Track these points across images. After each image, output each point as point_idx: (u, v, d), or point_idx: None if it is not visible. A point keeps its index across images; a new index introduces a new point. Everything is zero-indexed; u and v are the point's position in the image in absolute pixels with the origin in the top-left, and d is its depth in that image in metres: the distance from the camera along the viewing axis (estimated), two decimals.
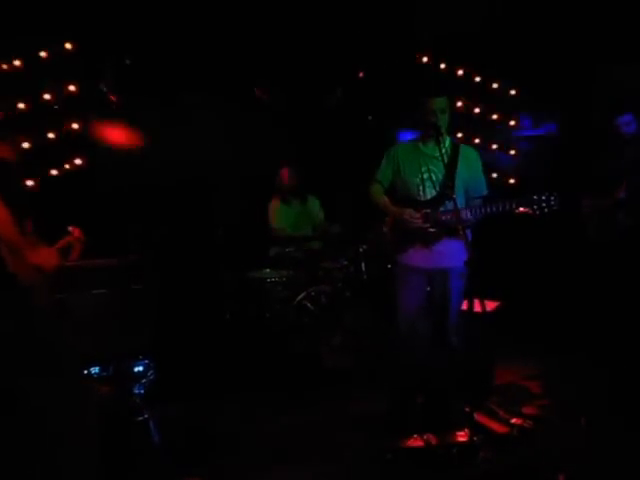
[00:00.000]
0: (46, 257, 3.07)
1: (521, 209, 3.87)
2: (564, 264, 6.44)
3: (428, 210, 4.09)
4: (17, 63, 5.64)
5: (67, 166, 5.79)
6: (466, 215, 3.89)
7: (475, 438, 3.75)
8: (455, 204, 3.76)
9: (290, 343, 5.54)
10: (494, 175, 7.38)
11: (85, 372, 4.14)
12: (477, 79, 7.39)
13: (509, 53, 6.76)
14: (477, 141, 7.34)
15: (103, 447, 3.12)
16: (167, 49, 6.12)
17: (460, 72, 7.34)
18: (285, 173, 6.30)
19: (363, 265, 5.89)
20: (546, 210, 3.75)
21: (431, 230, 4.07)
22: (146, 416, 4.06)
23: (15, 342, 2.90)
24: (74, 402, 3.04)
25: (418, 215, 4.06)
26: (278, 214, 6.34)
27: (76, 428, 3.02)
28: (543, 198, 3.75)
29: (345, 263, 5.93)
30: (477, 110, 7.41)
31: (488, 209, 3.91)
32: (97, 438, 3.10)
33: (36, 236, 3.19)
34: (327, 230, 6.29)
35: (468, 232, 4.00)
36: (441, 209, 4.08)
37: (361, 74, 7.18)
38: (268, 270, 6.00)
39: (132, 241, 5.06)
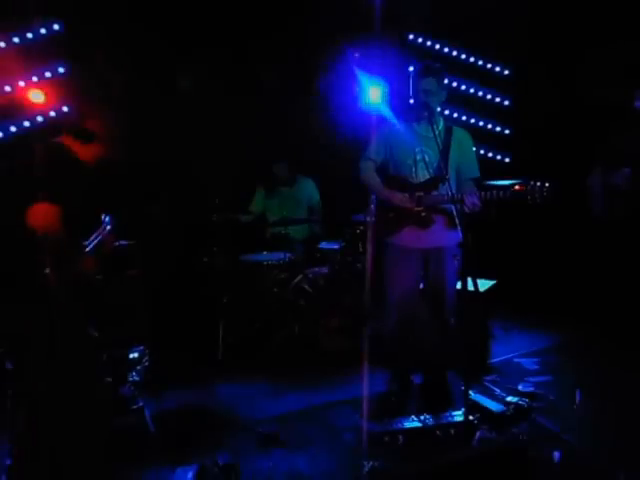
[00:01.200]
0: (86, 264, 3.16)
1: (516, 187, 3.85)
2: (561, 242, 6.42)
3: (421, 193, 4.06)
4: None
5: None
6: (473, 200, 3.86)
7: (472, 417, 3.77)
8: (449, 186, 3.73)
9: (288, 325, 5.54)
10: (489, 155, 7.38)
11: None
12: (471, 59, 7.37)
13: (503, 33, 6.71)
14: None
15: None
16: (160, 31, 6.05)
17: (453, 52, 7.31)
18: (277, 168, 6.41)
19: (360, 246, 5.86)
20: (538, 200, 3.73)
21: (424, 214, 4.05)
22: (141, 404, 4.05)
23: (40, 342, 2.99)
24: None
25: (410, 200, 4.04)
26: (256, 200, 6.48)
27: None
28: (536, 188, 3.73)
29: (343, 244, 5.89)
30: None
31: (483, 194, 3.89)
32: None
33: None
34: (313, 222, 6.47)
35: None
36: (434, 192, 4.06)
37: (356, 54, 7.10)
38: (265, 253, 5.99)
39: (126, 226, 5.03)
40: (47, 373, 3.01)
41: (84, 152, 3.17)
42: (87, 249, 3.29)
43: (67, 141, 3.14)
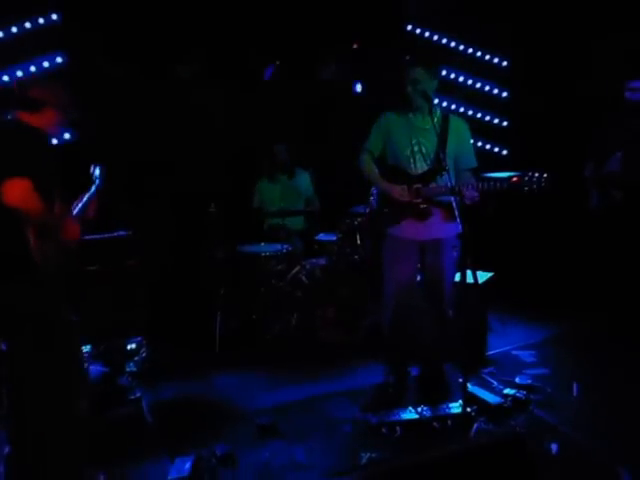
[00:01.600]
0: (72, 231, 3.16)
1: (514, 179, 3.83)
2: (558, 234, 6.43)
3: (419, 185, 4.05)
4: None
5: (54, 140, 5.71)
6: (472, 194, 3.86)
7: (469, 409, 3.77)
8: (449, 177, 3.72)
9: (285, 317, 5.54)
10: (487, 147, 7.38)
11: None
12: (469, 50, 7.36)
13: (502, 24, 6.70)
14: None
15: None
16: (159, 20, 6.03)
17: (451, 43, 7.30)
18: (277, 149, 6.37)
19: (358, 238, 5.85)
20: (536, 190, 3.72)
21: (423, 206, 4.04)
22: (139, 394, 4.05)
23: (33, 322, 2.99)
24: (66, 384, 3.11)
25: (407, 193, 4.04)
26: (259, 193, 6.45)
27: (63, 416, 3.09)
28: (534, 179, 3.71)
29: (340, 236, 5.89)
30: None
31: (481, 185, 3.88)
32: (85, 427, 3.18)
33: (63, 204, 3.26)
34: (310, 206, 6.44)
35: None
36: (432, 184, 4.04)
37: (355, 45, 7.08)
38: (263, 244, 5.99)
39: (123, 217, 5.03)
40: (34, 355, 3.00)
41: (39, 121, 3.13)
42: (73, 213, 3.30)
43: (20, 116, 3.12)
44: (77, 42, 5.80)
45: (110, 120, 5.80)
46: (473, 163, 4.16)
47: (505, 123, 7.49)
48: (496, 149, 7.49)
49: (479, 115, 7.41)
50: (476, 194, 3.84)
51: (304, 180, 6.50)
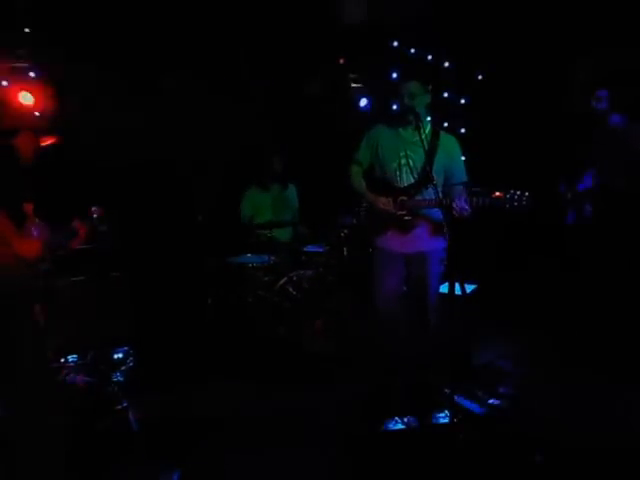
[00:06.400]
0: (27, 249, 3.15)
1: (497, 194, 3.85)
2: (541, 246, 6.48)
3: (404, 197, 4.09)
4: None
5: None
6: (462, 205, 3.84)
7: (455, 419, 3.78)
8: (436, 191, 3.75)
9: (272, 328, 5.54)
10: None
11: (61, 362, 4.14)
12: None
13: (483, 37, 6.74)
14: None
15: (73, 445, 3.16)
16: (146, 31, 6.04)
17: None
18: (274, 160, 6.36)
19: (345, 249, 5.88)
20: (518, 209, 3.73)
21: (407, 218, 4.08)
22: (125, 404, 4.04)
23: None
24: (32, 407, 3.08)
25: (392, 204, 4.07)
26: (250, 201, 6.38)
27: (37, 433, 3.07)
28: (515, 197, 3.73)
29: (327, 247, 5.92)
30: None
31: (475, 201, 3.89)
32: (61, 442, 3.16)
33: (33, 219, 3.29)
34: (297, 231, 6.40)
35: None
36: (418, 197, 4.08)
37: (342, 60, 7.14)
38: (250, 255, 5.99)
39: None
40: None
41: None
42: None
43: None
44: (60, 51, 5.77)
45: (96, 130, 5.78)
46: (463, 177, 4.19)
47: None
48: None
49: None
50: (467, 207, 3.85)
51: (292, 192, 6.53)
